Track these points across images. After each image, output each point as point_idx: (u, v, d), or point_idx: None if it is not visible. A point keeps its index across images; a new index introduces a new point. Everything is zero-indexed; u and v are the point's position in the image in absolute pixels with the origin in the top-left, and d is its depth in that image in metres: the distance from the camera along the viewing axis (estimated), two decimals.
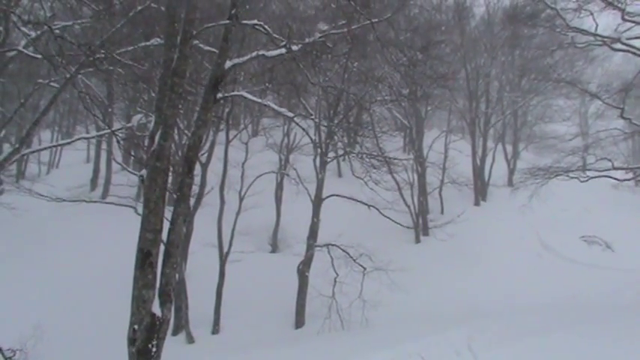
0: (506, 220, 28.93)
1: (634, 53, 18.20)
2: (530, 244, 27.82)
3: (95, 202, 21.19)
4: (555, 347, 10.97)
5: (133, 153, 24.83)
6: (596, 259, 26.77)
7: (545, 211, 27.59)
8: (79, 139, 16.40)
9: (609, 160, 19.26)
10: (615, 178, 20.22)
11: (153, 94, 16.09)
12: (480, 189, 33.91)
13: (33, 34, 13.62)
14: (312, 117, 19.32)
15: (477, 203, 33.22)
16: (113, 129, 16.41)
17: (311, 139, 21.42)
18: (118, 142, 14.48)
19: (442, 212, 31.07)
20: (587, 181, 19.75)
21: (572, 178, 19.59)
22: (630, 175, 21.15)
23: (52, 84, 15.29)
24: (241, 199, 21.04)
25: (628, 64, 38.06)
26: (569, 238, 28.56)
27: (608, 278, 23.44)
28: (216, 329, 18.98)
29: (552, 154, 28.90)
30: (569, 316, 16.25)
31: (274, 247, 26.24)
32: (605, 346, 11.07)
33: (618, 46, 18.55)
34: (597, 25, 18.71)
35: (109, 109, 24.91)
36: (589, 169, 19.93)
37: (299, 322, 19.32)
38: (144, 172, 9.27)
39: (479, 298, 20.96)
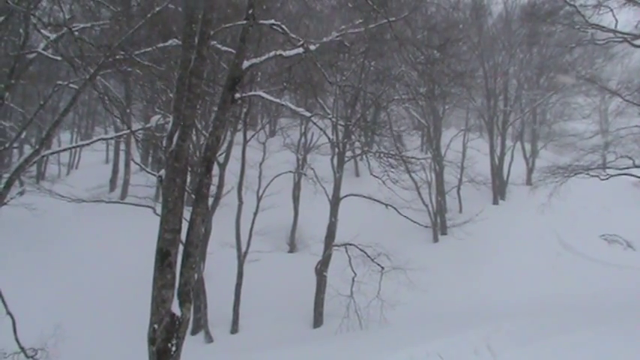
0: (525, 219, 28.67)
1: None
2: (550, 243, 27.54)
3: (114, 202, 21.35)
4: (576, 347, 10.83)
5: (151, 153, 25.03)
6: (616, 258, 26.42)
7: (565, 209, 27.30)
8: (98, 140, 16.49)
9: (630, 158, 19.02)
10: (636, 176, 19.94)
11: (171, 95, 16.14)
12: (499, 188, 33.66)
13: (52, 36, 13.72)
14: (330, 116, 19.31)
15: (495, 202, 32.98)
16: (132, 129, 16.51)
17: (328, 138, 21.39)
18: (136, 142, 14.57)
19: (460, 211, 30.88)
20: (607, 179, 19.53)
21: (593, 176, 19.39)
22: None
23: (71, 85, 15.41)
24: (259, 199, 21.06)
25: None
26: (589, 237, 28.22)
27: (629, 277, 23.12)
28: (234, 329, 19.02)
29: (572, 152, 28.57)
30: (590, 315, 16.06)
31: (292, 247, 26.25)
32: (626, 345, 10.91)
33: (639, 42, 18.31)
34: (617, 22, 18.48)
35: (128, 110, 25.02)
36: (609, 167, 19.70)
37: (317, 321, 19.30)
38: (162, 172, 9.30)
39: (497, 298, 20.80)
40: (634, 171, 18.96)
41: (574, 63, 33.71)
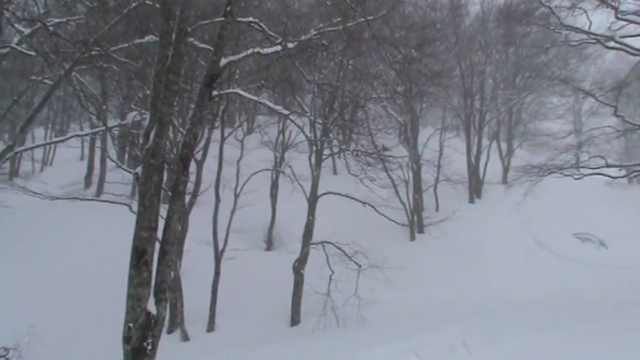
0: (501, 217, 28.97)
1: (627, 51, 18.24)
2: (524, 242, 27.87)
3: (89, 199, 21.09)
4: (548, 344, 10.97)
5: (127, 150, 24.79)
6: (589, 256, 26.82)
7: (539, 208, 27.65)
8: (73, 136, 16.30)
9: (602, 158, 19.32)
10: (609, 176, 20.26)
11: (148, 92, 16.00)
12: (475, 186, 33.98)
13: (27, 30, 13.53)
14: (308, 114, 19.27)
15: (471, 201, 33.27)
16: (107, 126, 16.34)
17: (306, 136, 21.37)
18: (112, 139, 14.40)
19: (437, 210, 31.09)
20: (580, 178, 19.81)
21: (566, 175, 19.66)
22: (623, 172, 21.23)
23: (45, 81, 15.21)
24: (236, 197, 20.97)
25: (621, 63, 38.17)
26: (562, 236, 28.62)
27: (602, 275, 23.50)
28: (211, 327, 18.93)
29: (546, 151, 28.96)
30: (563, 313, 16.28)
31: (269, 245, 26.20)
32: (598, 343, 11.07)
33: (611, 44, 18.59)
34: (591, 23, 18.76)
35: (104, 107, 24.76)
36: (583, 167, 19.99)
37: (294, 319, 19.29)
38: (139, 169, 9.22)
39: (473, 295, 20.99)
40: (606, 170, 19.26)
41: (549, 63, 34.16)
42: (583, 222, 30.02)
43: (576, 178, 19.80)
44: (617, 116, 19.31)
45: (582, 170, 19.80)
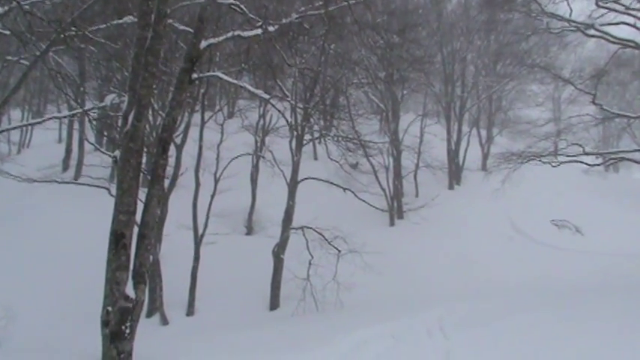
0: (479, 204, 29.24)
1: (607, 39, 18.43)
2: (502, 228, 28.18)
3: (67, 182, 20.83)
4: (524, 328, 11.16)
5: (106, 133, 24.51)
6: (565, 242, 27.24)
7: (518, 195, 27.93)
8: (50, 118, 16.05)
9: (580, 146, 19.53)
10: (586, 163, 20.53)
11: (126, 74, 15.83)
12: (454, 173, 34.19)
13: (0, 9, 13.27)
14: (289, 99, 19.22)
15: (451, 187, 33.50)
16: (85, 109, 16.16)
17: (287, 121, 21.31)
18: (90, 122, 14.24)
19: (417, 196, 31.27)
20: (558, 166, 20.05)
21: (545, 163, 19.85)
22: (600, 160, 21.54)
23: (21, 61, 14.97)
24: (216, 181, 20.89)
25: (601, 51, 38.63)
26: (540, 222, 29.00)
27: (577, 261, 23.90)
28: (190, 311, 18.93)
29: (525, 139, 29.24)
30: (539, 298, 16.54)
31: (249, 230, 26.20)
32: (572, 325, 11.29)
33: (592, 32, 18.75)
34: (572, 11, 18.89)
35: (81, 88, 24.46)
36: (561, 154, 20.20)
37: (274, 304, 19.35)
38: (117, 152, 9.16)
39: (451, 280, 21.22)
40: (584, 158, 19.49)
41: (530, 51, 34.35)
42: (560, 209, 30.45)
43: (554, 166, 20.03)
44: (595, 104, 19.52)
45: (560, 158, 20.02)
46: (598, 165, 22.90)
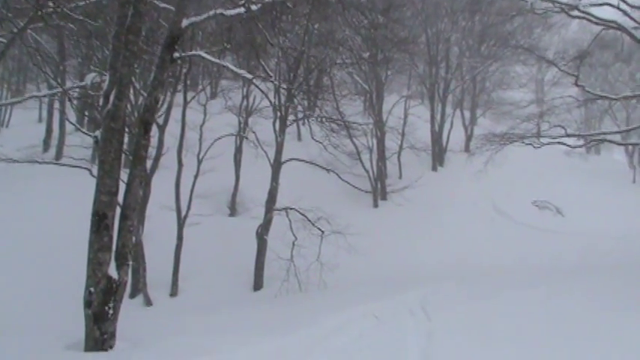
0: (462, 185, 29.45)
1: (590, 20, 18.51)
2: (485, 209, 28.45)
3: (48, 163, 20.61)
4: (505, 307, 11.33)
5: (87, 113, 24.25)
6: (546, 223, 27.59)
7: (500, 176, 28.16)
8: (29, 97, 15.91)
9: (562, 128, 19.72)
10: (568, 145, 20.75)
11: (107, 52, 15.62)
12: (438, 154, 34.35)
13: None
14: (272, 79, 19.10)
15: (434, 168, 33.67)
16: (65, 88, 15.95)
17: (270, 101, 21.22)
18: (70, 101, 14.06)
19: (400, 177, 31.39)
20: (540, 147, 20.21)
21: (527, 144, 20.01)
22: (582, 142, 21.73)
23: None
24: (199, 162, 20.81)
25: (584, 32, 38.83)
26: (521, 203, 29.31)
27: (557, 241, 24.23)
28: (174, 292, 18.95)
29: (508, 120, 29.43)
30: (520, 277, 16.79)
31: (233, 211, 26.15)
32: (553, 303, 11.49)
33: (575, 13, 18.84)
34: None
35: (61, 67, 24.14)
36: (543, 136, 20.38)
37: (257, 284, 19.42)
38: (98, 133, 9.08)
39: (434, 261, 21.42)
40: (566, 140, 19.68)
41: (514, 32, 34.45)
42: (541, 190, 30.77)
43: (536, 147, 20.20)
44: (577, 86, 19.65)
45: (542, 139, 20.20)
46: (579, 147, 23.14)
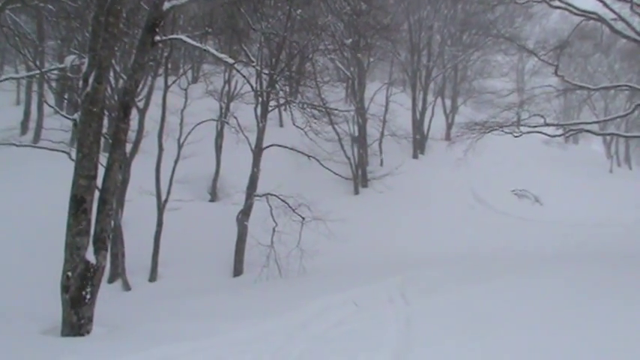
0: (443, 173, 29.60)
1: (570, 11, 18.59)
2: (465, 197, 28.67)
3: (26, 146, 20.34)
4: (483, 295, 11.43)
5: (66, 96, 23.91)
6: (525, 211, 27.89)
7: (480, 165, 28.39)
8: (6, 79, 15.61)
9: (542, 117, 19.85)
10: (547, 134, 20.89)
11: (87, 34, 15.38)
12: (419, 142, 34.46)
13: None
14: (254, 64, 18.97)
15: (415, 156, 33.80)
16: (44, 70, 15.70)
17: (252, 87, 21.07)
18: (49, 83, 13.83)
19: (381, 164, 31.46)
20: (520, 136, 20.35)
21: (507, 133, 20.13)
22: (560, 131, 21.90)
23: None
24: (180, 147, 20.65)
25: (565, 23, 39.09)
26: (501, 192, 29.59)
27: (535, 230, 24.53)
28: (153, 277, 18.87)
29: (489, 109, 29.59)
30: (499, 265, 16.93)
31: (213, 196, 26.04)
32: (530, 290, 11.63)
33: (556, 3, 18.90)
34: None
35: (40, 49, 23.74)
36: (522, 125, 20.52)
37: (237, 270, 19.42)
38: (77, 115, 8.97)
39: (414, 249, 21.54)
40: (545, 129, 19.83)
41: (495, 21, 34.51)
42: (520, 179, 31.09)
43: (516, 136, 20.33)
44: (557, 75, 19.79)
45: (522, 128, 20.33)
46: (558, 136, 23.32)
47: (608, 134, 32.83)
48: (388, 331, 8.63)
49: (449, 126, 37.08)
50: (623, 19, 17.93)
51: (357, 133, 28.96)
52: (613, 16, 18.18)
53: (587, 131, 21.43)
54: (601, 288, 11.54)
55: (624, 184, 35.83)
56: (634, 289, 11.42)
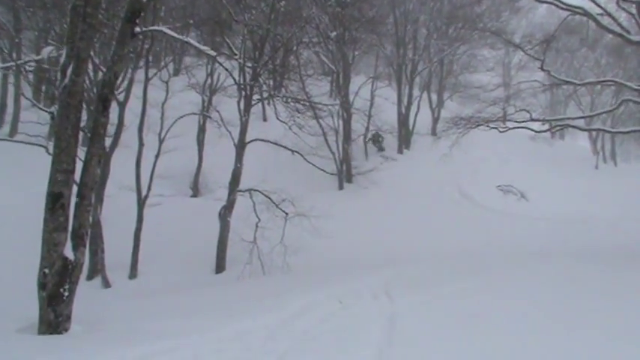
0: (428, 168, 29.69)
1: (557, 6, 18.68)
2: (450, 193, 28.78)
3: (3, 140, 20.13)
4: (468, 292, 11.50)
5: (43, 88, 23.68)
6: (510, 207, 28.06)
7: (466, 160, 28.52)
8: None
9: (528, 112, 19.95)
10: (533, 130, 21.00)
11: (65, 25, 15.22)
12: (404, 137, 34.53)
13: None
14: (237, 57, 18.90)
15: (400, 151, 33.88)
16: (20, 61, 15.52)
17: (235, 80, 21.01)
18: (26, 75, 13.68)
19: (366, 159, 31.52)
20: (506, 131, 20.44)
21: (492, 128, 20.21)
22: (546, 126, 22.03)
23: None
24: (161, 141, 20.55)
25: (551, 17, 39.32)
26: (486, 187, 29.72)
27: (521, 226, 24.67)
28: (133, 274, 18.79)
29: (475, 104, 29.71)
30: (484, 261, 17.03)
31: (195, 192, 25.97)
32: (515, 286, 11.73)
33: None
34: None
35: (16, 40, 23.48)
36: (509, 120, 20.62)
37: (220, 267, 19.36)
38: (55, 108, 8.88)
39: (399, 245, 21.58)
40: (531, 124, 19.94)
41: (482, 15, 34.72)
42: (506, 175, 31.25)
43: (502, 131, 20.42)
44: (543, 70, 19.86)
45: (508, 124, 20.43)
46: (544, 131, 23.50)
47: (594, 130, 33.15)
48: (372, 329, 8.66)
49: (435, 121, 37.19)
50: (609, 14, 18.07)
51: (341, 128, 28.96)
52: (599, 11, 18.33)
53: (573, 127, 21.56)
54: (588, 286, 11.70)
55: (610, 180, 36.20)
56: (620, 286, 11.58)
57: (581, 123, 20.98)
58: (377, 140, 30.95)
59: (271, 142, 20.70)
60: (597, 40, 39.90)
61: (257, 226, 18.58)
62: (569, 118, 23.17)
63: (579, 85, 23.04)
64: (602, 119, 42.72)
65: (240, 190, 19.47)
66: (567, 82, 22.11)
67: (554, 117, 27.24)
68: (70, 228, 8.69)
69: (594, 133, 44.32)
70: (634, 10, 17.91)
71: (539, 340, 7.56)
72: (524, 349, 7.23)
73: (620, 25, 17.84)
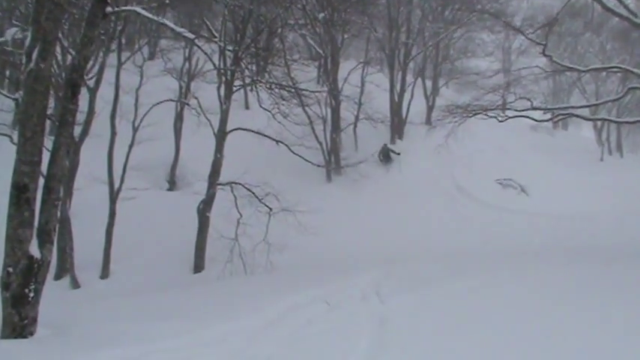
0: (422, 159, 29.77)
1: None
2: (445, 186, 28.88)
3: None
4: (465, 292, 11.58)
5: (7, 73, 23.49)
6: (510, 202, 28.17)
7: (462, 151, 28.61)
8: None
9: (529, 100, 20.02)
10: (534, 119, 21.06)
11: (30, 5, 15.11)
12: (397, 126, 34.53)
13: None
14: (217, 40, 18.83)
15: (392, 141, 33.88)
16: None
17: (214, 65, 20.95)
18: None
19: (356, 150, 31.53)
20: (505, 120, 20.51)
21: (491, 117, 20.28)
22: (548, 115, 22.14)
23: None
24: (135, 130, 20.48)
25: None
26: (484, 181, 29.82)
27: (520, 223, 24.81)
28: (105, 273, 18.75)
29: (472, 91, 29.78)
30: (480, 261, 17.14)
31: (172, 185, 25.92)
32: (514, 288, 11.81)
33: None
34: None
35: None
36: (508, 109, 20.70)
37: (198, 265, 19.36)
38: (19, 95, 8.84)
39: (390, 242, 21.68)
40: (532, 113, 20.02)
41: None
42: (505, 167, 31.37)
43: (501, 121, 20.49)
44: (545, 55, 19.91)
45: (507, 112, 20.52)
46: (546, 121, 23.57)
47: (599, 119, 33.34)
48: (361, 332, 8.71)
49: (429, 109, 37.17)
50: None
51: (329, 117, 28.94)
52: None
53: (577, 116, 21.68)
54: (591, 286, 11.78)
55: (615, 173, 36.42)
56: (625, 285, 11.68)
57: (585, 112, 21.13)
58: (387, 155, 30.55)
59: (254, 132, 20.65)
60: (602, 23, 40.08)
61: (239, 222, 18.59)
62: (572, 107, 23.28)
63: (583, 71, 23.14)
64: (607, 108, 42.94)
65: (220, 184, 19.44)
66: (571, 69, 22.22)
67: (556, 105, 27.42)
68: (36, 224, 8.66)
69: (599, 123, 44.53)
70: None
71: (533, 342, 7.65)
72: (518, 352, 7.31)
73: (626, 7, 17.91)
